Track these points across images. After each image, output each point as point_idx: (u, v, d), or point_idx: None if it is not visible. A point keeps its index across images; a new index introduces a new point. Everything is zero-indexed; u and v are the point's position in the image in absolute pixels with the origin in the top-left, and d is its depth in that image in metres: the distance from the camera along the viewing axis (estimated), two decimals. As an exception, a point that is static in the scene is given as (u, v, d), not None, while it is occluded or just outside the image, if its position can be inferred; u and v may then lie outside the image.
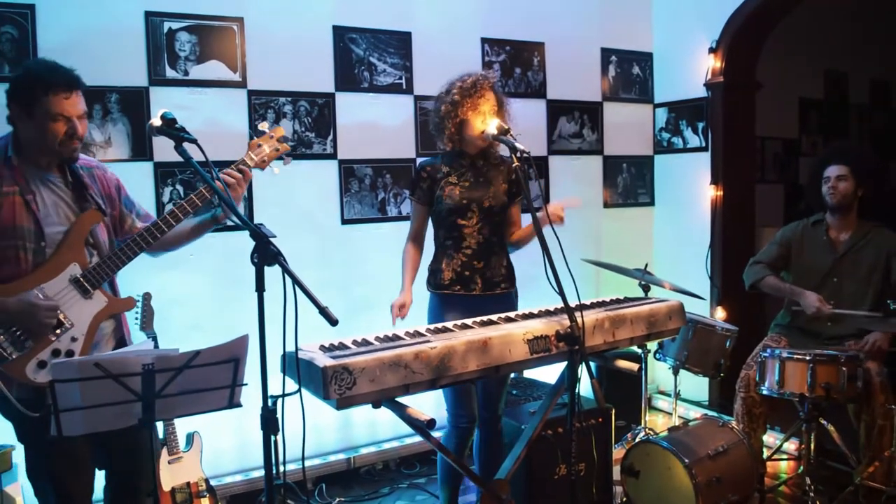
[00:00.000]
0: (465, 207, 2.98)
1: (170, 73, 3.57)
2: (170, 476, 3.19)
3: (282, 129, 2.72)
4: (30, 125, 2.32)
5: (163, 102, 3.45)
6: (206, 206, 2.57)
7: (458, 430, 2.99)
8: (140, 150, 3.52)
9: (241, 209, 3.46)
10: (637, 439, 3.68)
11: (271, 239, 2.04)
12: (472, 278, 3.00)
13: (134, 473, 2.54)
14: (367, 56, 4.09)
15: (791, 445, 4.03)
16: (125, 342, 2.57)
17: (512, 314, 2.61)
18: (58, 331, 2.31)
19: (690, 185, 5.05)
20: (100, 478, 2.57)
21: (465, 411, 2.96)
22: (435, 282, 3.05)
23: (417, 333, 2.35)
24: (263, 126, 2.69)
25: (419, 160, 3.13)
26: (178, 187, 3.61)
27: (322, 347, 2.17)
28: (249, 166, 2.61)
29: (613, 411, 3.52)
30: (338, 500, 3.78)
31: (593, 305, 2.76)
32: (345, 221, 4.08)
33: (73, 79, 2.35)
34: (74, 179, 2.45)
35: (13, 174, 2.32)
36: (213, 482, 3.41)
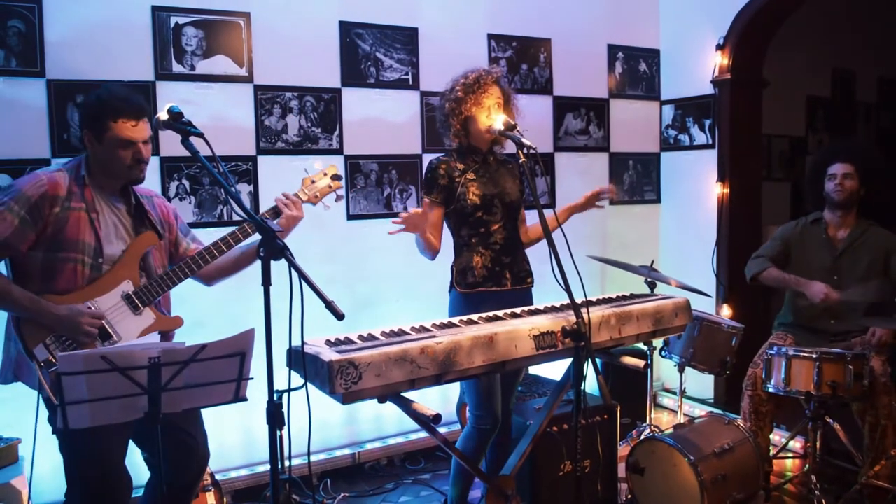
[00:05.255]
0: (490, 203, 2.95)
1: (176, 67, 3.57)
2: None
3: (335, 167, 2.84)
4: (100, 150, 2.45)
5: (169, 97, 3.46)
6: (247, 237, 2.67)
7: (480, 431, 2.94)
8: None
9: (247, 203, 3.47)
10: (642, 436, 3.67)
11: (277, 233, 2.04)
12: (502, 273, 2.97)
13: (155, 463, 2.56)
14: (373, 51, 4.09)
15: (797, 444, 4.03)
16: None
17: (518, 310, 2.61)
18: (106, 342, 2.41)
19: (697, 183, 5.04)
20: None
21: (489, 413, 2.92)
22: (465, 280, 2.96)
23: (423, 329, 2.35)
24: (318, 164, 2.85)
25: (430, 158, 3.07)
26: (185, 182, 3.61)
27: (328, 342, 2.18)
28: (302, 200, 2.74)
29: (619, 408, 3.52)
30: (342, 495, 3.79)
31: (599, 302, 2.75)
32: (350, 217, 4.08)
33: (140, 107, 2.49)
34: (137, 204, 2.59)
35: (83, 192, 2.44)
36: (218, 476, 3.43)
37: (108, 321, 2.42)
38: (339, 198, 2.85)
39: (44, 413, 2.38)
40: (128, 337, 2.46)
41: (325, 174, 2.81)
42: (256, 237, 2.64)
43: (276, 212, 2.66)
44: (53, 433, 2.43)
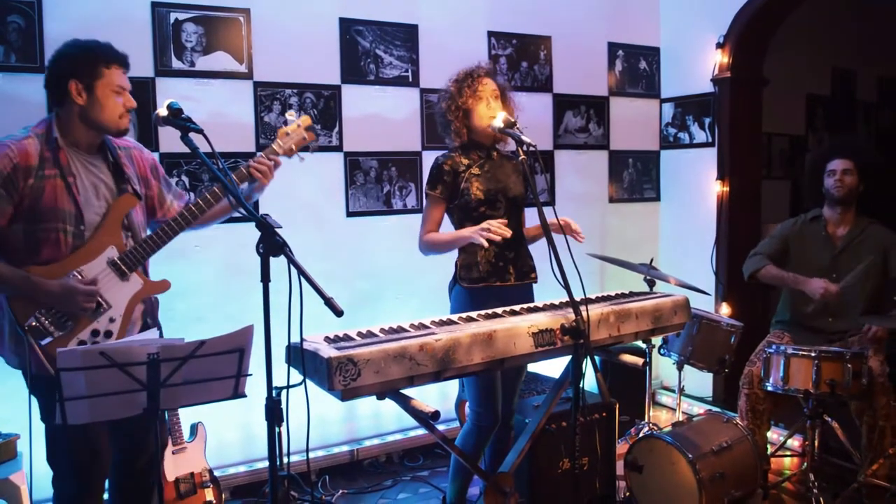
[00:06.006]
0: (494, 198, 2.94)
1: (176, 63, 3.57)
2: (173, 466, 3.19)
3: (308, 118, 2.75)
4: (90, 100, 2.36)
5: (169, 93, 3.44)
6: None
7: (480, 429, 2.93)
8: (146, 140, 3.50)
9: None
10: (641, 434, 3.68)
11: (277, 229, 2.04)
12: (506, 268, 2.95)
13: (141, 460, 2.57)
14: (373, 48, 4.09)
15: (795, 442, 4.03)
16: (157, 323, 2.62)
17: (517, 307, 2.61)
18: (98, 311, 2.36)
19: (696, 181, 5.04)
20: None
21: (489, 411, 2.91)
22: (469, 276, 2.94)
23: (422, 326, 2.35)
24: (291, 115, 2.74)
25: (431, 155, 3.06)
26: (184, 178, 3.61)
27: (327, 339, 2.18)
28: (278, 154, 2.66)
29: (617, 406, 3.52)
30: (341, 492, 3.79)
31: (598, 300, 2.76)
32: (350, 214, 4.08)
33: (127, 57, 2.45)
34: (114, 161, 2.50)
35: (56, 156, 2.35)
36: (216, 473, 3.42)
37: (99, 291, 2.36)
38: (312, 149, 2.76)
39: (33, 407, 2.37)
40: (118, 304, 2.41)
41: (299, 125, 2.72)
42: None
43: (243, 175, 2.58)
44: (42, 419, 2.42)
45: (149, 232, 2.54)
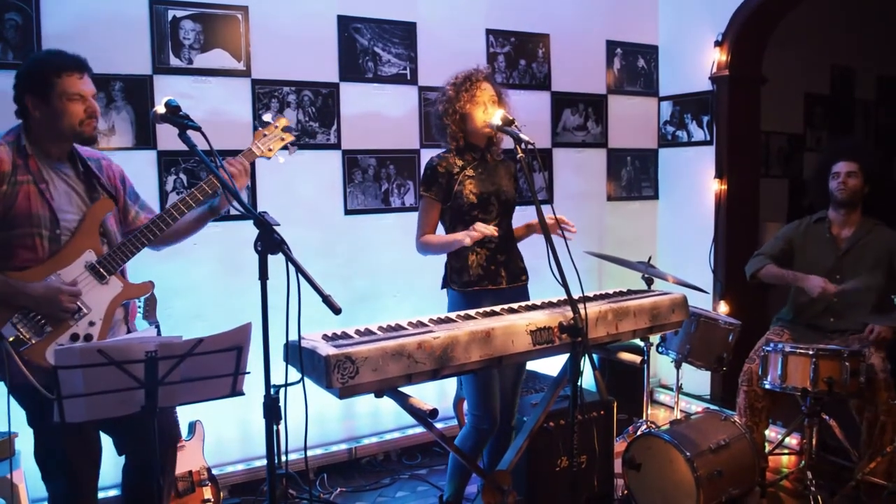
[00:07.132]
0: (486, 201, 2.94)
1: (174, 61, 3.56)
2: (172, 464, 3.19)
3: (286, 119, 2.76)
4: (48, 112, 2.35)
5: (167, 91, 3.45)
6: (206, 198, 2.60)
7: (479, 431, 2.93)
8: (144, 138, 3.51)
9: (244, 198, 3.47)
10: (639, 432, 3.67)
11: (275, 227, 2.04)
12: (497, 272, 2.96)
13: (152, 458, 2.56)
14: (371, 46, 4.08)
15: (793, 440, 4.03)
16: (131, 329, 2.60)
17: (515, 305, 2.61)
18: (76, 315, 2.35)
19: (694, 179, 5.04)
20: (117, 463, 2.61)
21: (488, 414, 2.90)
22: (461, 280, 2.95)
23: (420, 324, 2.35)
24: (267, 116, 2.74)
25: (428, 154, 3.06)
26: (182, 176, 3.61)
27: (325, 337, 2.18)
28: (256, 156, 2.66)
29: (615, 404, 3.52)
30: (339, 490, 3.79)
31: (597, 297, 2.76)
32: (348, 212, 4.08)
33: (81, 61, 2.41)
34: (85, 170, 2.48)
35: (27, 163, 2.35)
36: (214, 471, 3.42)
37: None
38: (291, 150, 2.76)
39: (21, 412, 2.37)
40: (99, 308, 2.40)
41: (276, 126, 2.72)
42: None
43: (213, 185, 2.55)
44: (30, 424, 2.41)
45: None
